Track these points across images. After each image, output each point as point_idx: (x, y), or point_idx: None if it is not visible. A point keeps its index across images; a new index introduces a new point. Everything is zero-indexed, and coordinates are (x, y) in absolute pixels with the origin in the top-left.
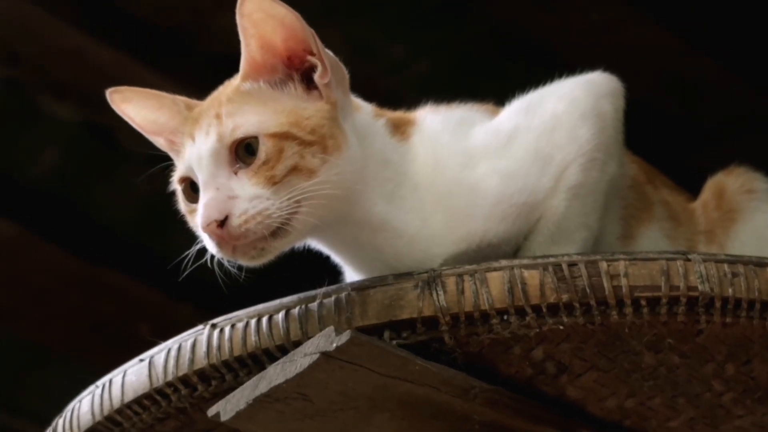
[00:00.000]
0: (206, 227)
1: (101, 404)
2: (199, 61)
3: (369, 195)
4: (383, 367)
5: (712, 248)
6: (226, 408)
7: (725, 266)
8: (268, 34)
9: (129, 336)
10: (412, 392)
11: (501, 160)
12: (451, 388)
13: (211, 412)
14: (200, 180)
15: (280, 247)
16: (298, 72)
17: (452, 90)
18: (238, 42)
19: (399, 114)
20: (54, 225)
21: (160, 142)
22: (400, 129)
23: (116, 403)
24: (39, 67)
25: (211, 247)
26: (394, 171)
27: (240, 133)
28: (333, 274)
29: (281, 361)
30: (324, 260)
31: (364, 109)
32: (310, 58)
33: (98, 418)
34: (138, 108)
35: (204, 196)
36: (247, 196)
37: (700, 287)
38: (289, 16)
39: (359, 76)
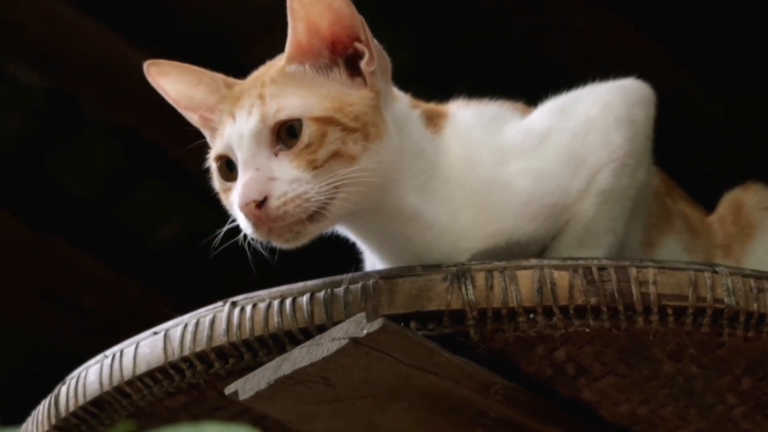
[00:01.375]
0: (244, 207)
1: (110, 374)
2: (180, 37)
3: (403, 185)
4: (409, 356)
5: (728, 262)
6: (245, 387)
7: (751, 281)
8: (316, 17)
9: (75, 307)
10: (433, 384)
11: (534, 159)
12: (472, 382)
13: (229, 390)
14: (239, 159)
15: (315, 231)
16: (342, 58)
17: (433, 83)
18: (220, 19)
19: (432, 106)
20: (8, 190)
21: (193, 119)
22: (433, 121)
23: (127, 374)
24: (14, 32)
25: (246, 227)
26: (427, 163)
27: (284, 115)
28: (327, 263)
29: (307, 343)
30: (321, 248)
31: (401, 99)
32: (357, 44)
33: (106, 388)
34: (174, 82)
35: (243, 176)
36: (287, 178)
37: (726, 300)
38: (339, 1)
39: None
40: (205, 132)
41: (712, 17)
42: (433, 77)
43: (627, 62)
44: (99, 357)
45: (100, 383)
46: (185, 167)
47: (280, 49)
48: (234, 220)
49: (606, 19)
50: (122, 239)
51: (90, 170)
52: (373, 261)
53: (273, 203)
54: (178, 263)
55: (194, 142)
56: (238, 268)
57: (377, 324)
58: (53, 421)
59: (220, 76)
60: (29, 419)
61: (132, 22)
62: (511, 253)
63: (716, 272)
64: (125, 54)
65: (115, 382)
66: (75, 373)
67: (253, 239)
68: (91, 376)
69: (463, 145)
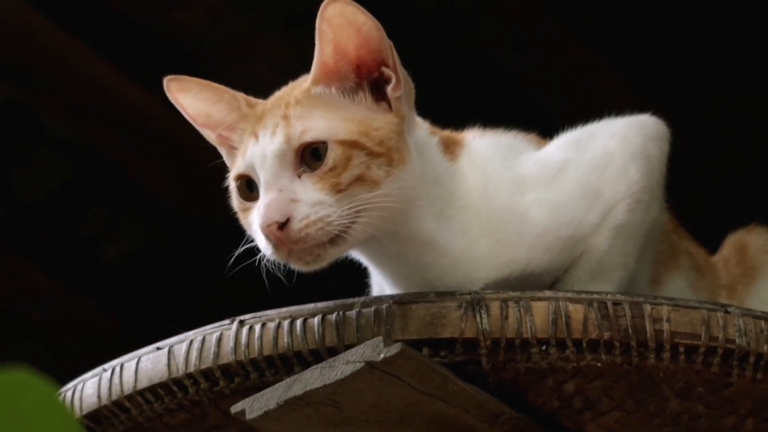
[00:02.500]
0: (266, 228)
1: (110, 388)
2: (152, 54)
3: (421, 211)
4: (423, 383)
5: (732, 303)
6: (253, 406)
7: (762, 323)
8: (343, 40)
9: (20, 323)
10: (442, 412)
11: (550, 191)
12: (481, 411)
13: (236, 408)
14: (262, 180)
15: (335, 254)
16: (367, 81)
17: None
18: (194, 39)
19: (447, 133)
20: None
21: (210, 136)
22: (449, 148)
23: (128, 389)
24: None
25: (266, 249)
26: (445, 190)
27: (309, 137)
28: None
29: (320, 365)
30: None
31: (421, 126)
32: (384, 69)
33: (105, 402)
34: (193, 99)
35: (266, 197)
36: (309, 200)
37: (737, 340)
38: (368, 24)
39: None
40: (222, 150)
41: (691, 63)
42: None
43: (606, 102)
44: (97, 370)
45: (98, 397)
46: (143, 185)
47: (254, 71)
48: (251, 240)
49: (587, 59)
50: (74, 255)
51: (45, 183)
52: (380, 285)
53: (295, 225)
54: (128, 282)
55: (154, 160)
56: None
57: (395, 349)
58: None
59: (241, 95)
60: None
61: (105, 37)
62: (524, 283)
63: (728, 312)
64: (97, 68)
65: (114, 396)
66: (70, 385)
67: (270, 261)
68: (89, 389)
69: (479, 174)
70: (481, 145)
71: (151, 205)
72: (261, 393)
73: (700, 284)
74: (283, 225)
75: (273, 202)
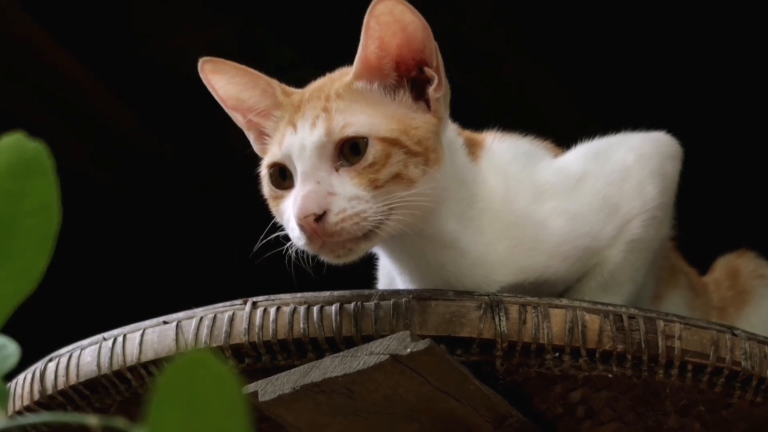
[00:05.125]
0: (303, 219)
1: (110, 358)
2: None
3: (445, 212)
4: (441, 380)
5: None
6: (266, 389)
7: (766, 348)
8: (388, 37)
9: None
10: (452, 410)
11: (569, 201)
12: (490, 412)
13: (247, 390)
14: (299, 170)
15: (365, 249)
16: (407, 80)
17: None
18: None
19: (468, 134)
20: None
21: (239, 120)
22: (471, 150)
23: (131, 360)
24: None
25: (298, 239)
26: (467, 191)
27: (350, 132)
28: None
29: (341, 354)
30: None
31: (450, 126)
32: (426, 69)
33: (105, 371)
34: (226, 82)
35: (303, 188)
36: (346, 195)
37: (743, 363)
38: (415, 24)
39: None
40: (250, 135)
41: (634, 79)
42: None
43: (551, 113)
44: (96, 338)
45: (98, 365)
46: None
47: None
48: (280, 228)
49: (532, 69)
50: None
51: None
52: (390, 278)
53: (331, 218)
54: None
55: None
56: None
57: (423, 344)
58: (36, 396)
59: (276, 82)
60: None
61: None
62: (538, 290)
63: (735, 335)
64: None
65: (116, 366)
66: (64, 350)
67: (299, 251)
68: (87, 356)
69: (499, 178)
70: (501, 148)
71: None
72: (276, 376)
73: (695, 303)
74: (319, 217)
75: (311, 194)
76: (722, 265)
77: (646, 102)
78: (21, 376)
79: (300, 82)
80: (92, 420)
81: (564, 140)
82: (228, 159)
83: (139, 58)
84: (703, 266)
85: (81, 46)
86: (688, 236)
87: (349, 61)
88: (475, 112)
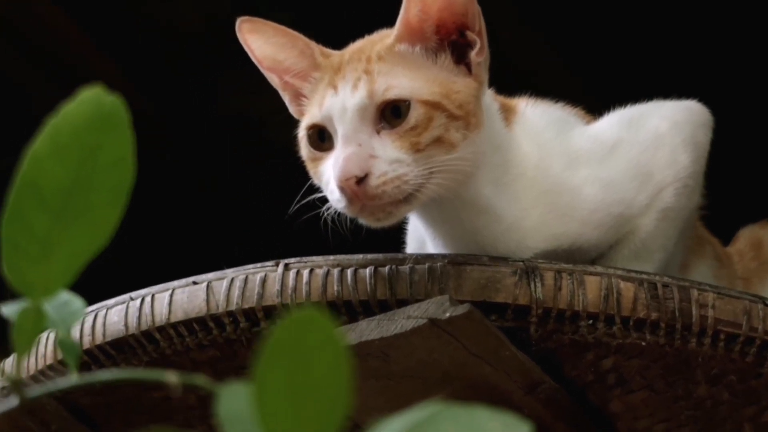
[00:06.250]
0: (345, 181)
1: (139, 318)
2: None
3: (481, 176)
4: (477, 345)
5: None
6: None
7: None
8: (430, 0)
9: None
10: (485, 376)
11: (603, 168)
12: (524, 378)
13: None
14: (340, 132)
15: (405, 212)
16: (447, 43)
17: None
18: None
19: (502, 99)
20: None
21: (274, 80)
22: (505, 116)
23: (160, 320)
24: None
25: (338, 201)
26: (502, 157)
27: (393, 94)
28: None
29: (377, 318)
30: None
31: (487, 91)
32: (468, 33)
33: (132, 331)
34: (263, 42)
35: (344, 150)
36: (388, 158)
37: None
38: None
39: None
40: (285, 96)
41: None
42: None
43: (547, 82)
44: (123, 297)
45: (126, 325)
46: None
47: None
48: (317, 190)
49: (528, 36)
50: None
51: None
52: (420, 243)
53: (373, 181)
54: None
55: None
56: None
57: (462, 309)
58: (60, 356)
59: (314, 44)
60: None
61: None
62: (571, 257)
63: (767, 305)
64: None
65: (144, 327)
66: (89, 310)
67: (337, 213)
68: (114, 316)
69: (534, 144)
70: (535, 114)
71: None
72: None
73: (720, 273)
74: (360, 180)
75: (353, 156)
76: (745, 236)
77: (645, 73)
78: (44, 335)
79: None
80: (172, 377)
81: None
82: (215, 121)
83: (131, 18)
84: (722, 237)
85: (74, 5)
86: (708, 207)
87: (346, 25)
88: None
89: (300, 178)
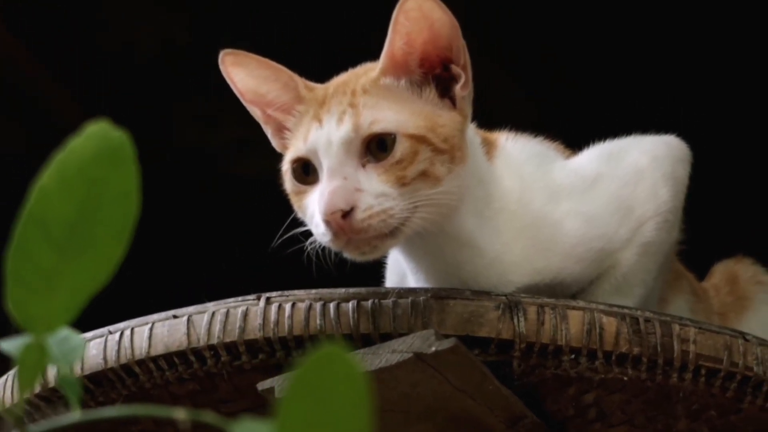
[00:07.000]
0: (330, 215)
1: (118, 351)
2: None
3: (465, 210)
4: (461, 380)
5: None
6: (283, 385)
7: None
8: (414, 33)
9: None
10: (467, 409)
11: (584, 203)
12: (505, 413)
13: (263, 386)
14: (325, 166)
15: (390, 246)
16: (432, 77)
17: None
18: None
19: (483, 133)
20: None
21: (256, 113)
22: (486, 149)
23: (139, 353)
24: None
25: (322, 235)
26: (484, 190)
27: (378, 128)
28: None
29: (361, 351)
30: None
31: (470, 126)
32: (452, 67)
33: (112, 364)
34: (246, 75)
35: (330, 183)
36: (374, 191)
37: (755, 368)
38: (442, 21)
39: None
40: (267, 129)
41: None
42: None
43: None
44: (101, 331)
45: (104, 359)
46: None
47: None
48: (301, 223)
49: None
50: None
51: None
52: (401, 277)
53: (359, 215)
54: None
55: None
56: None
57: (448, 343)
58: (37, 389)
59: (298, 77)
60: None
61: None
62: (552, 291)
63: (747, 340)
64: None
65: (123, 360)
66: None
67: (320, 247)
68: (92, 349)
69: (515, 178)
70: (515, 148)
71: None
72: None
73: (697, 308)
74: (346, 214)
75: (338, 190)
76: (720, 270)
77: (605, 105)
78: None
79: None
80: (180, 414)
81: None
82: (172, 151)
83: (86, 47)
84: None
85: (28, 33)
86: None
87: (306, 56)
88: None
89: (260, 209)
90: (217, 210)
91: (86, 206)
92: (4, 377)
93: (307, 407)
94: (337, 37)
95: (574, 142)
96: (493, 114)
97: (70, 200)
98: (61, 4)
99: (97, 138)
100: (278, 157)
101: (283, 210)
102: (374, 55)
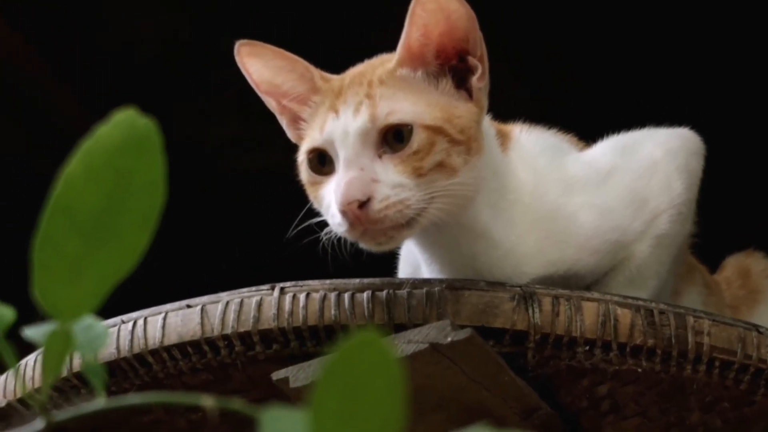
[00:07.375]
0: (347, 206)
1: (131, 341)
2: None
3: (480, 201)
4: (477, 371)
5: None
6: (297, 375)
7: None
8: (431, 25)
9: None
10: (482, 401)
11: (599, 195)
12: (520, 404)
13: (278, 375)
14: (341, 156)
15: (406, 236)
16: (448, 68)
17: None
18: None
19: (498, 125)
20: None
21: (271, 104)
22: (501, 141)
23: (153, 343)
24: None
25: (338, 226)
26: (499, 182)
27: (395, 119)
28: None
29: None
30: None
31: (485, 118)
32: (469, 58)
33: (125, 354)
34: (262, 66)
35: (346, 174)
36: (390, 182)
37: None
38: (459, 12)
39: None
40: (282, 120)
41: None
42: None
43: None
44: (114, 321)
45: (117, 348)
46: None
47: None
48: (317, 214)
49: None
50: None
51: None
52: (414, 267)
53: (375, 206)
54: None
55: None
56: None
57: (463, 334)
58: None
59: (313, 67)
60: (10, 374)
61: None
62: (567, 283)
63: (761, 333)
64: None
65: (137, 350)
66: None
67: (336, 238)
68: None
69: (529, 170)
70: (529, 140)
71: None
72: (308, 363)
73: (710, 300)
74: (362, 204)
75: (355, 181)
76: (732, 264)
77: (610, 104)
78: (31, 358)
79: None
80: (208, 401)
81: None
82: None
83: (86, 44)
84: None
85: (29, 32)
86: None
87: (303, 52)
88: None
89: (262, 206)
90: (220, 206)
91: (113, 195)
92: (24, 362)
93: (341, 395)
94: (337, 36)
95: (579, 140)
96: (497, 113)
97: (97, 189)
98: (62, 3)
99: (125, 126)
100: (280, 153)
101: (286, 204)
102: (374, 55)
